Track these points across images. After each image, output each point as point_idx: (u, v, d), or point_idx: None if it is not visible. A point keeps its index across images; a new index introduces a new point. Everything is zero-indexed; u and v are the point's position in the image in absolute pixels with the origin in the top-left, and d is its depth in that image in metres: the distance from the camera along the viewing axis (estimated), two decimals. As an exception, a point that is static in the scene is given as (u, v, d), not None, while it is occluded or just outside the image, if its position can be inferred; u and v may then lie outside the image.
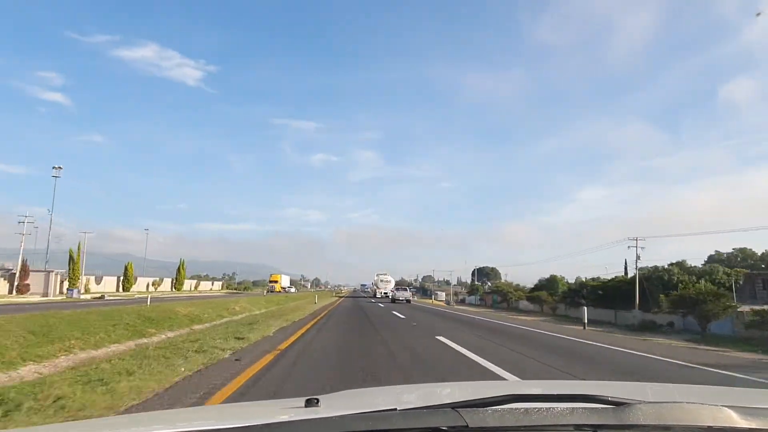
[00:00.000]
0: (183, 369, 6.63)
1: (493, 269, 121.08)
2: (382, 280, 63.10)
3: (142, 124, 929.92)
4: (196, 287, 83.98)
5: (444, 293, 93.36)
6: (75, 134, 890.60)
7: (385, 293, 58.24)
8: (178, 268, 75.37)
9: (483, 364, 8.37)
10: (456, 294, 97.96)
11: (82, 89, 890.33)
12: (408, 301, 45.73)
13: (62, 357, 8.21)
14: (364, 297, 67.52)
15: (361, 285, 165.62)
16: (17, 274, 43.60)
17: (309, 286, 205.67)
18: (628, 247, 43.88)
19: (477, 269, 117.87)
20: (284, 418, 1.14)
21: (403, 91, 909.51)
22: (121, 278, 61.03)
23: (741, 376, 8.66)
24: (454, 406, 1.08)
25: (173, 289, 71.61)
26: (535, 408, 1.06)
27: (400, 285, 65.94)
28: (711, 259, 59.96)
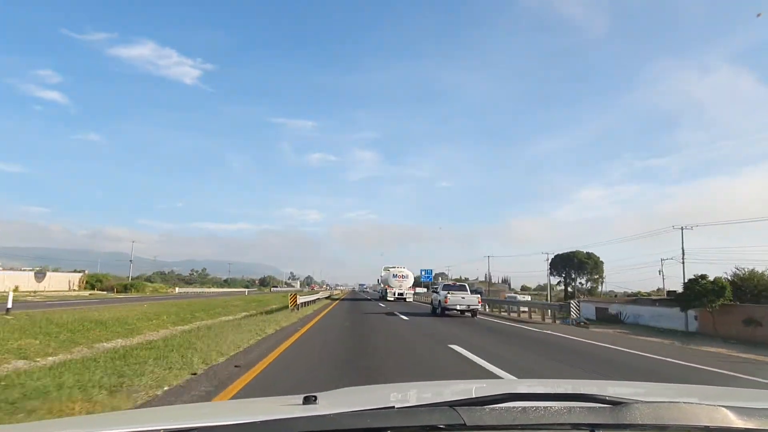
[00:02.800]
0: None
1: (589, 256, 69.73)
2: (395, 276, 44.08)
3: (139, 123, 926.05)
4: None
5: (527, 296, 51.85)
6: (71, 133, 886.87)
7: (400, 294, 42.89)
8: None
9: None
10: (518, 293, 62.14)
11: (79, 87, 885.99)
12: (473, 314, 23.02)
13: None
14: (369, 300, 45.59)
15: (360, 285, 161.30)
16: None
17: (298, 285, 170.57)
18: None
19: (558, 256, 71.33)
20: (282, 415, 1.13)
21: (401, 90, 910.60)
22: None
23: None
24: (452, 405, 1.08)
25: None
26: (533, 407, 1.07)
27: (446, 282, 32.84)
28: None
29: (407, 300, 42.93)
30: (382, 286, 51.99)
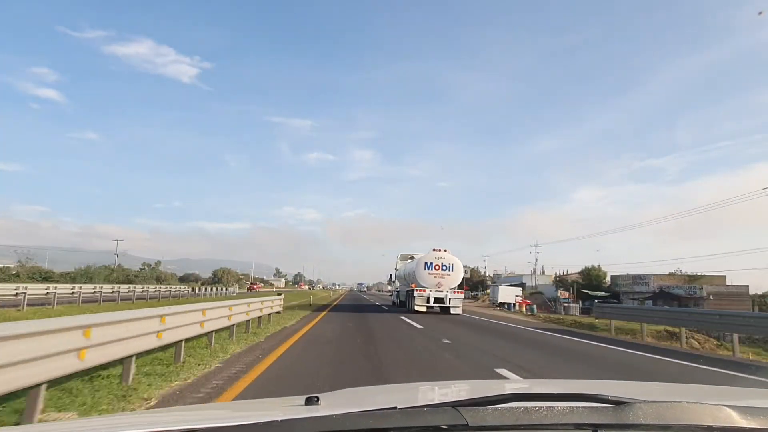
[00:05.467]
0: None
1: None
2: (429, 266, 24.95)
3: (136, 122, 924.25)
4: None
5: None
6: (68, 131, 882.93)
7: (438, 299, 24.24)
8: None
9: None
10: None
11: (76, 86, 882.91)
12: None
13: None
14: (380, 310, 27.73)
15: (358, 284, 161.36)
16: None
17: (282, 284, 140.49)
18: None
19: None
20: (284, 416, 1.13)
21: (400, 89, 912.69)
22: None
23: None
24: (455, 405, 1.08)
25: None
26: (535, 407, 1.06)
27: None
28: None
29: (453, 311, 24.09)
30: (397, 284, 32.66)
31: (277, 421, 1.06)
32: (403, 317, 21.17)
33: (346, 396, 1.77)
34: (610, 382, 3.40)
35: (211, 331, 9.02)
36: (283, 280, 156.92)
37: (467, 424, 1.01)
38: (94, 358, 4.65)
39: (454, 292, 24.59)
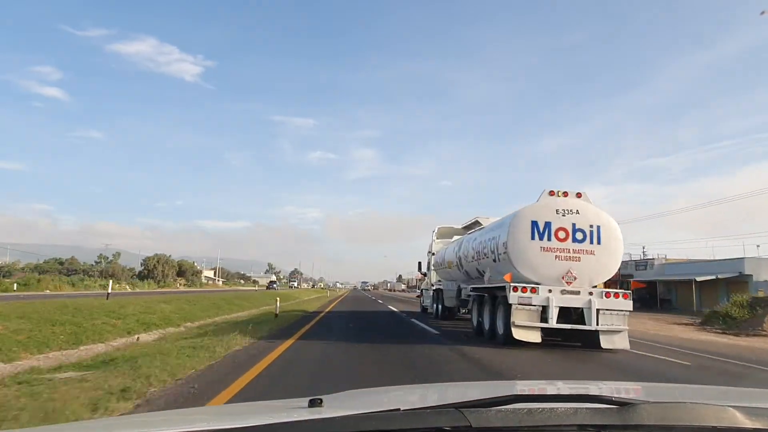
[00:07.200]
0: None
1: None
2: (545, 231, 9.68)
3: (139, 120, 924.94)
4: None
5: None
6: (72, 130, 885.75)
7: (571, 311, 9.50)
8: None
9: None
10: None
11: (80, 84, 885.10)
12: None
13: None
14: (428, 353, 8.81)
15: (362, 282, 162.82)
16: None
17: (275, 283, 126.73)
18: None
19: None
20: (287, 418, 1.13)
21: (402, 88, 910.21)
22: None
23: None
24: (458, 407, 1.08)
25: None
26: (539, 408, 1.06)
27: None
28: None
29: (606, 342, 9.49)
30: (433, 278, 19.13)
31: (279, 423, 1.06)
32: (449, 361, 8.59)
33: (350, 398, 1.77)
34: (614, 384, 3.41)
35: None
36: (274, 277, 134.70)
37: (470, 426, 1.01)
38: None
39: (607, 295, 9.89)
